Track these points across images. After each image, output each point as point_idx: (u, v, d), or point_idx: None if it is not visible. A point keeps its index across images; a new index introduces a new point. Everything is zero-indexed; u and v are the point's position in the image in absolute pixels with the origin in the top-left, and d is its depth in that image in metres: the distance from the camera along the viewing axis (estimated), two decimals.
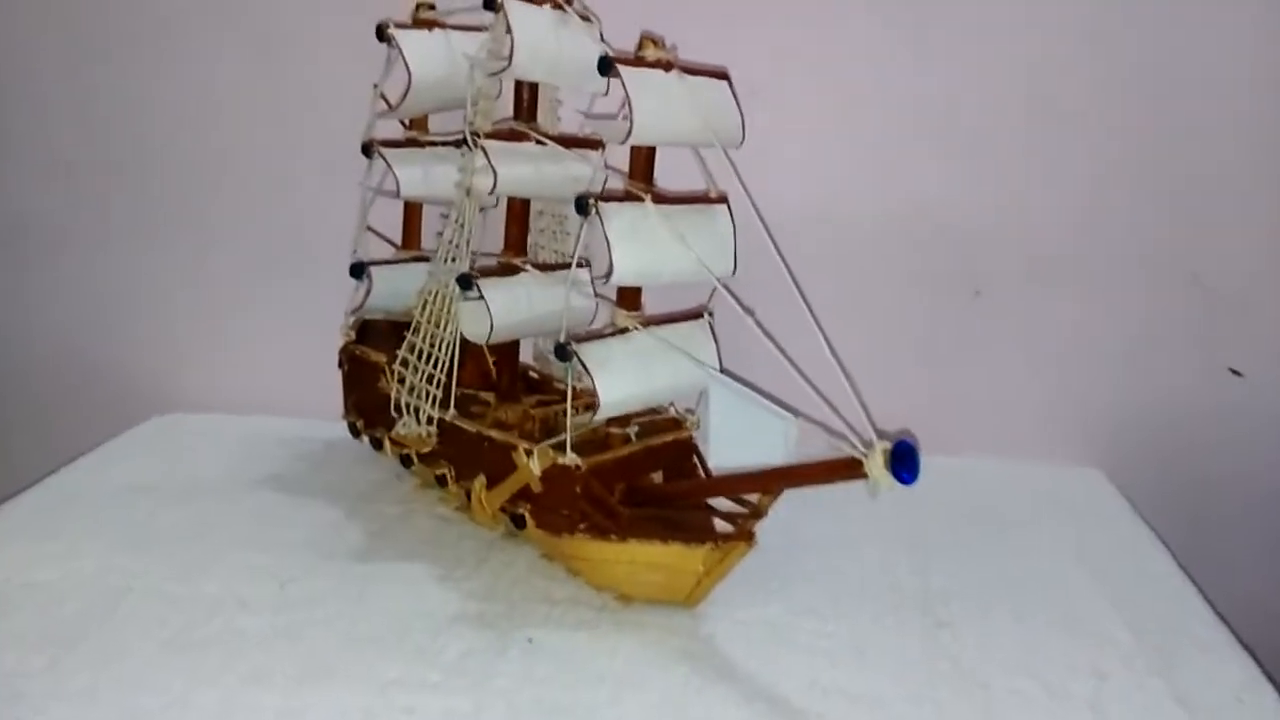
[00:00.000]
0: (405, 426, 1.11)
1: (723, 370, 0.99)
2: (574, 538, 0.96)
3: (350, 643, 0.88)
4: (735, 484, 0.91)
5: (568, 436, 0.95)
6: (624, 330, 0.98)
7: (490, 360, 1.11)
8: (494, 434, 1.03)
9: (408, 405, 1.10)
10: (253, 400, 1.38)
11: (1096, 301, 1.30)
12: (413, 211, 1.24)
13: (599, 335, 0.97)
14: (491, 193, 1.01)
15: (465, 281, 1.02)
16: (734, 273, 0.99)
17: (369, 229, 1.23)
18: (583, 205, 0.93)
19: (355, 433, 1.22)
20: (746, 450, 0.86)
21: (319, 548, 1.05)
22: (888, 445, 0.70)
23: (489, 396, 1.10)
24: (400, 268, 1.22)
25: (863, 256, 1.30)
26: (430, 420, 1.08)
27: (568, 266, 1.01)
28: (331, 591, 0.96)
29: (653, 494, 0.99)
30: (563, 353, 0.94)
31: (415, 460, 1.12)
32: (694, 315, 1.02)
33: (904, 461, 0.70)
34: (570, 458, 0.95)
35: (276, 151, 1.36)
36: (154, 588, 0.94)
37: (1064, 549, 1.10)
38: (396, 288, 1.20)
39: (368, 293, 1.20)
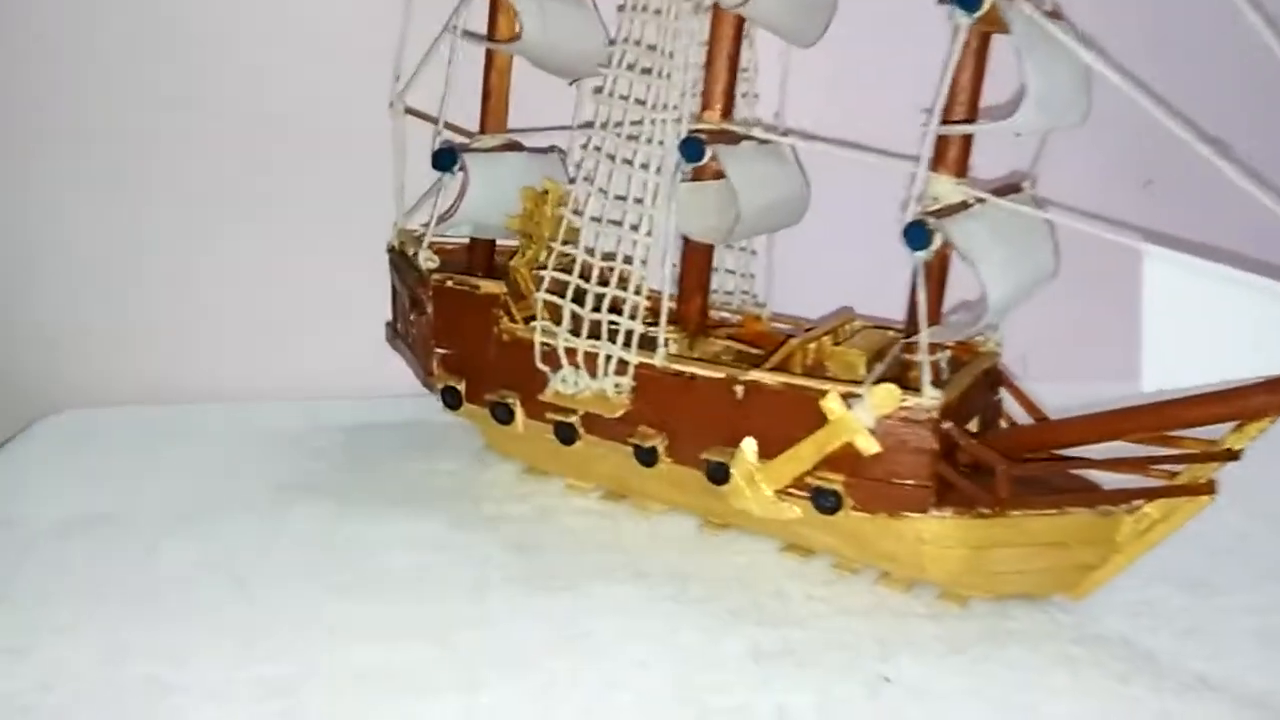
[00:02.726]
0: (570, 382, 0.74)
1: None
2: (923, 519, 0.64)
3: None
4: (1163, 414, 0.62)
5: (925, 369, 0.63)
6: (963, 205, 0.66)
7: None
8: (768, 378, 0.68)
9: (572, 351, 0.74)
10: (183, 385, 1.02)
11: None
12: (498, 79, 0.85)
13: (942, 210, 0.65)
14: None
15: (694, 148, 0.67)
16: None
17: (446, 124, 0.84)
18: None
19: (453, 401, 0.83)
20: None
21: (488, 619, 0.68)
22: None
23: (672, 333, 0.75)
24: (496, 158, 0.83)
25: None
26: (621, 368, 0.72)
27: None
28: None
29: (1014, 443, 0.68)
30: (915, 236, 0.62)
31: (580, 433, 0.75)
32: (1013, 189, 0.72)
33: None
34: (929, 395, 0.63)
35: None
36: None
37: None
38: (495, 190, 0.82)
39: (461, 194, 0.80)
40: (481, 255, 0.87)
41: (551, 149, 0.90)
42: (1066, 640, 0.67)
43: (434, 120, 0.86)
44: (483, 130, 0.85)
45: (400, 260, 0.89)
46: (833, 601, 0.70)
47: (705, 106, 0.73)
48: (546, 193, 0.83)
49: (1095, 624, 0.68)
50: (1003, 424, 0.75)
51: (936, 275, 0.68)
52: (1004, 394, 0.75)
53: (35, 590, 0.70)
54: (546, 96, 0.88)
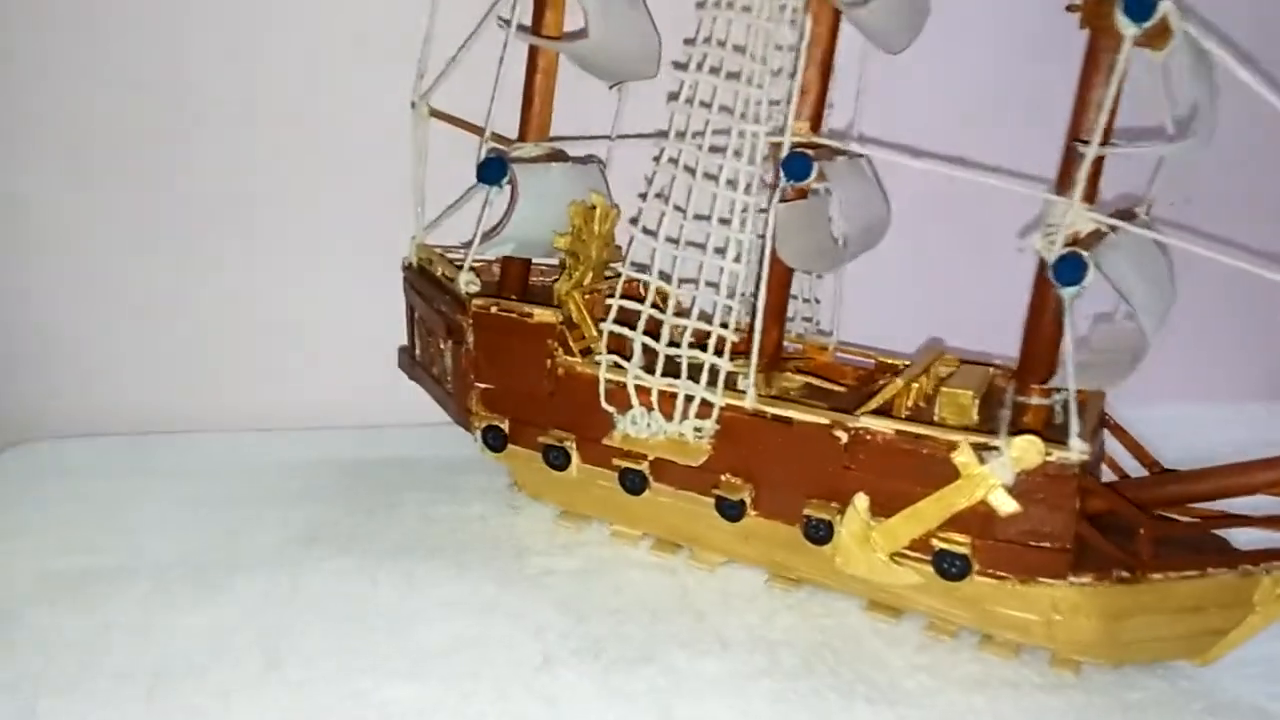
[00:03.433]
0: (641, 425, 0.66)
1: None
2: (1059, 585, 0.57)
3: None
4: None
5: (1073, 417, 0.56)
6: (1098, 234, 0.60)
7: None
8: (879, 424, 0.61)
9: (644, 389, 0.65)
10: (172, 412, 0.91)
11: None
12: (544, 81, 0.76)
13: (1082, 240, 0.58)
14: None
15: (802, 166, 0.59)
16: None
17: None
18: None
19: (496, 443, 0.73)
20: None
21: None
22: None
23: (739, 365, 0.67)
24: (542, 170, 0.74)
25: None
26: (704, 410, 0.64)
27: None
28: None
29: (1146, 497, 0.61)
30: (1070, 270, 0.55)
31: (649, 481, 0.67)
32: (1129, 214, 0.65)
33: None
34: (1077, 448, 0.56)
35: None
36: None
37: None
38: (542, 205, 0.73)
39: (510, 210, 0.71)
40: (516, 277, 0.78)
41: (590, 159, 0.81)
42: (1198, 711, 0.60)
43: (462, 123, 0.77)
44: (523, 137, 0.76)
45: (421, 280, 0.80)
46: (939, 673, 0.62)
47: (795, 116, 0.65)
48: (594, 209, 0.75)
49: (1224, 691, 0.62)
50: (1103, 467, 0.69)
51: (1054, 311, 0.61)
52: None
53: (18, 674, 0.59)
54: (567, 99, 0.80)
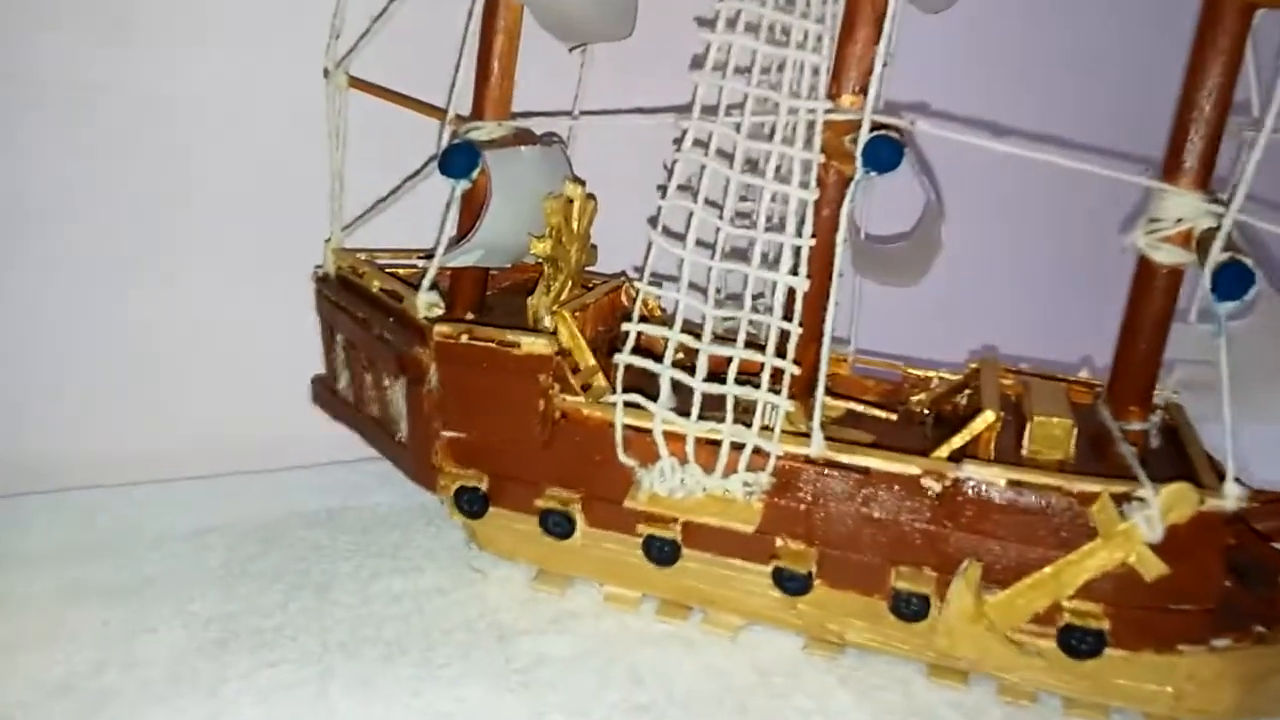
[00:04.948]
0: (673, 481, 0.52)
1: None
2: (1198, 653, 0.48)
3: None
4: None
5: (1229, 454, 0.46)
6: (1213, 232, 0.50)
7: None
8: (985, 472, 0.49)
9: (675, 436, 0.52)
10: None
11: None
12: (506, 43, 0.60)
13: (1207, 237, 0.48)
14: None
15: (891, 151, 0.47)
16: None
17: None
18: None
19: (475, 509, 0.58)
20: None
21: None
22: None
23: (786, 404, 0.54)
24: (510, 157, 0.59)
25: None
26: (758, 461, 0.51)
27: None
28: None
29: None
30: (1235, 281, 0.45)
31: (681, 550, 0.53)
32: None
33: None
34: (1232, 494, 0.46)
35: None
36: None
37: None
38: (513, 200, 0.57)
39: (482, 209, 0.56)
40: (471, 289, 0.63)
41: (551, 138, 0.66)
42: None
43: (392, 95, 0.61)
44: (479, 114, 0.60)
45: (347, 295, 0.63)
46: None
47: (838, 91, 0.52)
48: (572, 202, 0.61)
49: None
50: None
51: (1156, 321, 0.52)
52: None
53: None
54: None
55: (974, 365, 0.61)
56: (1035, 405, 0.55)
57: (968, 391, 0.59)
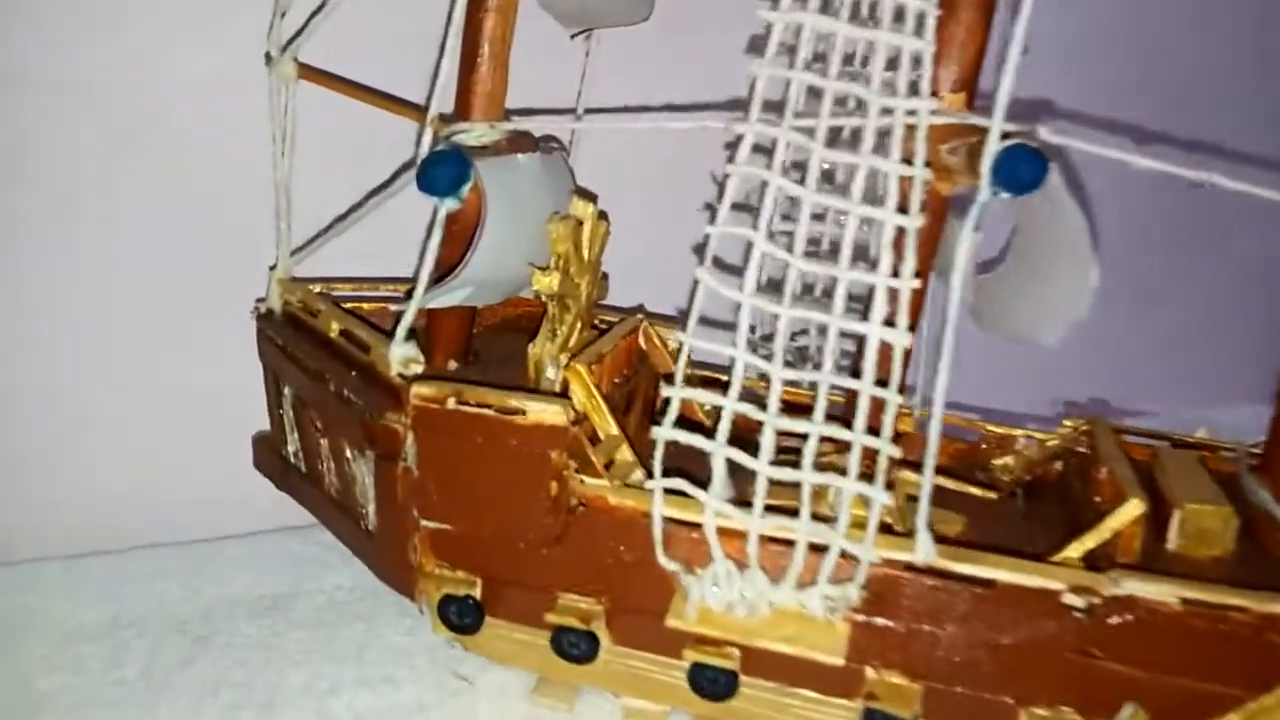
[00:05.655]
0: (734, 592, 0.40)
1: None
2: None
3: None
4: None
5: None
6: None
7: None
8: (1149, 589, 0.37)
9: (732, 533, 0.39)
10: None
11: None
12: (498, 25, 0.47)
13: None
14: None
15: (1035, 165, 0.35)
16: None
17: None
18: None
19: (467, 621, 0.45)
20: None
21: None
22: None
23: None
24: (506, 166, 0.46)
25: None
26: (845, 568, 0.39)
27: None
28: None
29: None
30: None
31: (737, 683, 0.41)
32: None
33: None
34: None
35: None
36: None
37: None
38: (511, 221, 0.45)
39: (477, 235, 0.43)
40: (454, 330, 0.50)
41: (551, 143, 0.54)
42: None
43: (350, 88, 0.49)
44: (465, 113, 0.48)
45: (297, 339, 0.50)
46: None
47: (937, 89, 0.41)
48: (581, 224, 0.49)
49: None
50: None
51: None
52: None
53: None
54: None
55: (1076, 424, 0.50)
56: (1176, 485, 0.44)
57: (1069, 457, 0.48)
